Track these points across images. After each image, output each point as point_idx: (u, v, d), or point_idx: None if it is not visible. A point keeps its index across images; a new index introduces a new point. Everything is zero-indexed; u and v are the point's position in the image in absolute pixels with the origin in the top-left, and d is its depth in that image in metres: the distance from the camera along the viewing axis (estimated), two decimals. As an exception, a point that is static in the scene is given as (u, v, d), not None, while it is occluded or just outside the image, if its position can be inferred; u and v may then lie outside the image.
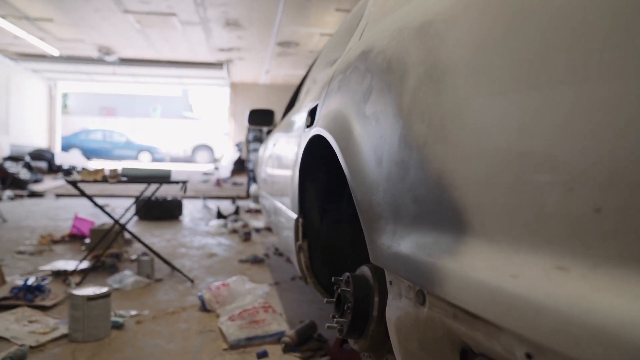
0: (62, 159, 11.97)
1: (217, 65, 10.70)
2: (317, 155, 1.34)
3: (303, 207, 1.46)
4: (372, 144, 0.74)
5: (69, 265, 2.91)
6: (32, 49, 9.57)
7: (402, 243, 0.62)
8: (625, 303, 0.32)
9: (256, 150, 7.87)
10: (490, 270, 0.44)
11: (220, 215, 5.39)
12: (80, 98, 23.21)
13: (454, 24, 0.57)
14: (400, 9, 0.86)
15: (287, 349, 1.77)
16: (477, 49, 0.52)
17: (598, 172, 0.35)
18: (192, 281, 2.72)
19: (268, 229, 4.81)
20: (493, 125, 0.47)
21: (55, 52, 9.81)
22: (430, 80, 0.59)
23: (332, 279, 1.07)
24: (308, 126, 1.38)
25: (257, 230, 4.75)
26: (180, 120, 22.76)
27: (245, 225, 4.79)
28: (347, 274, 1.02)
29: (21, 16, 7.43)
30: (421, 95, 0.60)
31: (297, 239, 1.46)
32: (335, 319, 1.04)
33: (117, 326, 1.95)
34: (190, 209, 6.44)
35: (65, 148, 15.44)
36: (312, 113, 1.36)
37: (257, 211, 6.27)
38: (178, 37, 8.59)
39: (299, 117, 1.71)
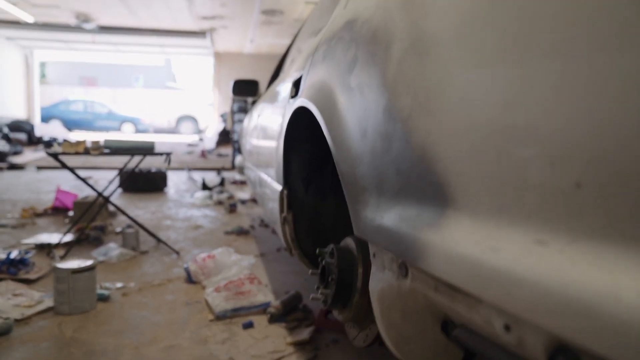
0: (42, 130, 11.70)
1: (200, 34, 10.44)
2: (302, 126, 1.33)
3: (288, 178, 1.45)
4: (357, 116, 0.74)
5: (53, 238, 2.89)
6: (5, 14, 9.20)
7: (386, 216, 0.63)
8: (599, 277, 0.33)
9: (241, 121, 7.78)
10: (472, 244, 0.45)
11: (205, 187, 5.36)
12: (60, 67, 22.58)
13: (439, -6, 0.56)
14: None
15: (273, 319, 1.80)
16: (463, 21, 0.51)
17: (580, 147, 0.35)
18: (177, 253, 2.73)
19: (253, 201, 4.81)
20: (477, 99, 0.47)
21: (30, 19, 9.45)
22: (415, 52, 0.58)
23: (317, 250, 1.08)
24: (292, 97, 1.36)
25: (243, 201, 4.75)
26: (164, 90, 22.35)
27: (230, 197, 4.78)
28: (332, 245, 1.02)
29: (-7, -20, 7.11)
30: (406, 67, 0.59)
31: (282, 210, 1.46)
32: (319, 290, 1.05)
33: (103, 298, 1.95)
34: (175, 181, 6.39)
35: (45, 119, 15.10)
36: (297, 84, 1.34)
37: (243, 182, 6.25)
38: (159, 4, 8.34)
39: (284, 87, 1.68)
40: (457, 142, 0.49)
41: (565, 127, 0.37)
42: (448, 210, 0.49)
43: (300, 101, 1.14)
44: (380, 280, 0.68)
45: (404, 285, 0.61)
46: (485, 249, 0.43)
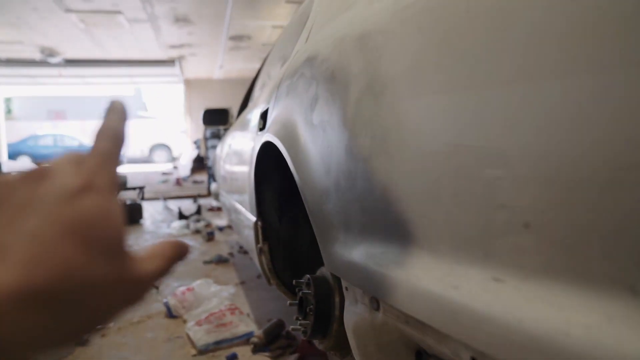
0: (10, 167, 11.41)
1: (169, 62, 10.42)
2: (271, 157, 1.34)
3: (261, 209, 1.45)
4: (321, 153, 0.75)
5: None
6: (-33, 53, 9.04)
7: (354, 252, 0.64)
8: (551, 313, 0.34)
9: (214, 147, 7.74)
10: (434, 281, 0.46)
11: (182, 216, 5.29)
12: (26, 102, 22.12)
13: (390, 37, 0.59)
14: (342, 15, 0.86)
15: (257, 349, 1.78)
16: (416, 60, 0.54)
17: (527, 187, 0.37)
18: (156, 288, 2.67)
19: (230, 227, 4.77)
20: (431, 140, 0.49)
21: (-7, 56, 9.30)
22: (371, 92, 0.60)
23: (294, 281, 1.08)
24: (261, 129, 1.37)
25: (220, 228, 4.70)
26: (135, 120, 22.08)
27: (208, 225, 4.73)
28: (308, 276, 1.03)
29: (-49, 19, 6.99)
30: (363, 108, 0.61)
31: (257, 241, 1.46)
32: (299, 321, 1.05)
33: (81, 342, 1.90)
34: (151, 212, 6.29)
35: (12, 156, 14.74)
36: (264, 116, 1.35)
37: (219, 209, 6.19)
38: (126, 36, 8.30)
39: (253, 116, 1.70)
40: (414, 182, 0.50)
41: (511, 168, 0.39)
42: (411, 248, 0.51)
43: (267, 136, 1.16)
44: (354, 314, 0.69)
45: (376, 319, 0.62)
46: (446, 285, 0.44)
